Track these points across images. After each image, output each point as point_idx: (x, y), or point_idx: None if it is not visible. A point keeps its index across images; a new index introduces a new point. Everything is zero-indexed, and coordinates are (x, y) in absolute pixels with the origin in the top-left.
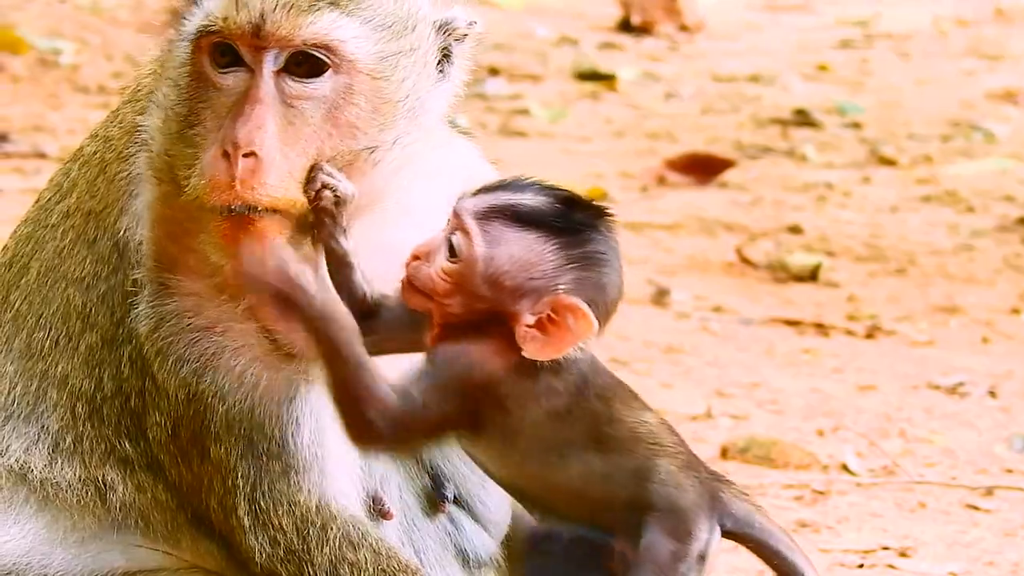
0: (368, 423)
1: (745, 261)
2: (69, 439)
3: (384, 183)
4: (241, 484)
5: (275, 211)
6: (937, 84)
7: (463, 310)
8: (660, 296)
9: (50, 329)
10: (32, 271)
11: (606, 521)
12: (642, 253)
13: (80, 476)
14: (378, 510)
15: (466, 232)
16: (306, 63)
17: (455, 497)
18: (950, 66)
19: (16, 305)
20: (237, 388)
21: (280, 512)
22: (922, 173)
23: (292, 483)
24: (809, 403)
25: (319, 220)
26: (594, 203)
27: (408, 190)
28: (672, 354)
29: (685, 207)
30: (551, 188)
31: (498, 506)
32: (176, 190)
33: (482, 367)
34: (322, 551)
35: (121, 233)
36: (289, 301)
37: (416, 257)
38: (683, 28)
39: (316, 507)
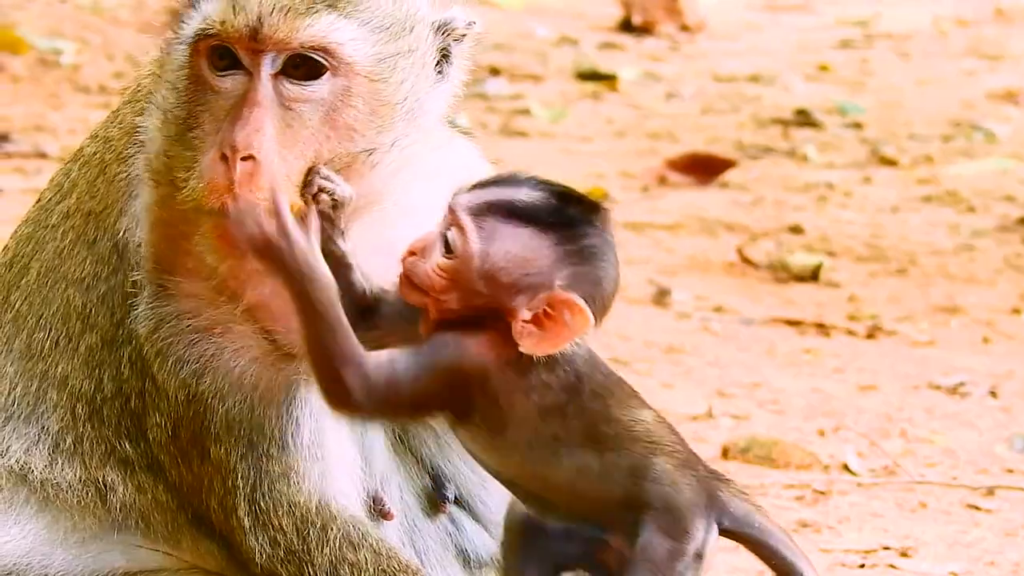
0: (344, 384)
1: (746, 261)
2: (69, 440)
3: (382, 184)
4: (241, 485)
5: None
6: (938, 84)
7: (459, 306)
8: (661, 296)
9: (50, 330)
10: (32, 271)
11: (602, 518)
12: (643, 253)
13: (80, 477)
14: (379, 510)
15: (461, 228)
16: (304, 65)
17: (456, 497)
18: (950, 66)
19: (16, 306)
20: (237, 389)
21: (280, 513)
22: (923, 173)
23: (292, 484)
24: (810, 403)
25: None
26: (589, 198)
27: (407, 191)
28: (673, 354)
29: (686, 207)
30: (546, 183)
31: (499, 506)
32: (174, 192)
33: (473, 357)
34: (322, 552)
35: (121, 234)
36: (272, 251)
37: (412, 253)
38: (684, 28)
39: (316, 507)
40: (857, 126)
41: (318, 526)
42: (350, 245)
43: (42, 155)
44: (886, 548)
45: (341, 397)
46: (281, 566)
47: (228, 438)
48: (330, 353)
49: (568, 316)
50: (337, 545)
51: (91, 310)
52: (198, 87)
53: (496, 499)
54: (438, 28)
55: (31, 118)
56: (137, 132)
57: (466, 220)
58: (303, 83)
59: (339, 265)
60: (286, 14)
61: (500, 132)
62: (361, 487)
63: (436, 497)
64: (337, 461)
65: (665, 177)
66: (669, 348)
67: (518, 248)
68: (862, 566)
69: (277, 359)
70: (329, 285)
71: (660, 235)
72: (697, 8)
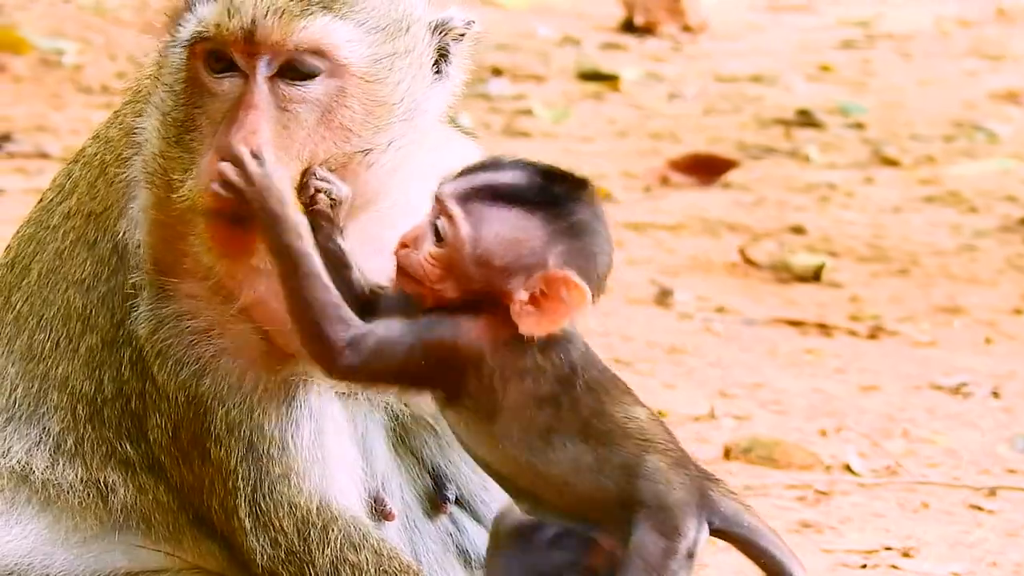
0: (330, 342)
1: (748, 261)
2: (70, 441)
3: (380, 184)
4: (242, 486)
5: None
6: (939, 84)
7: (456, 293)
8: (663, 296)
9: (51, 331)
10: (34, 272)
11: (594, 516)
12: (645, 253)
13: (82, 477)
14: (380, 511)
15: (450, 216)
16: (299, 67)
17: (457, 498)
18: (952, 66)
19: (18, 306)
20: (236, 390)
21: (281, 514)
22: (925, 173)
23: (293, 485)
24: (812, 403)
25: (315, 223)
26: (574, 174)
27: (406, 190)
28: (675, 354)
29: (688, 207)
30: (529, 164)
31: (499, 507)
32: (170, 194)
33: (469, 338)
34: (323, 552)
35: (121, 235)
36: (257, 207)
37: (404, 245)
38: (686, 28)
39: (317, 508)
40: (859, 126)
41: (319, 527)
42: (348, 244)
43: (44, 155)
44: (888, 548)
45: (329, 358)
46: (282, 567)
47: (228, 439)
48: (316, 309)
49: (565, 293)
50: (338, 546)
51: (91, 311)
52: (195, 89)
53: (497, 500)
54: (435, 28)
55: (33, 118)
56: (136, 133)
57: (454, 207)
58: (299, 84)
59: (338, 264)
60: (280, 17)
61: (502, 132)
62: (362, 487)
63: (437, 497)
64: (338, 462)
65: (667, 177)
66: (671, 348)
67: (508, 230)
68: (864, 566)
69: (277, 360)
70: (303, 234)
71: (662, 235)
72: (699, 8)
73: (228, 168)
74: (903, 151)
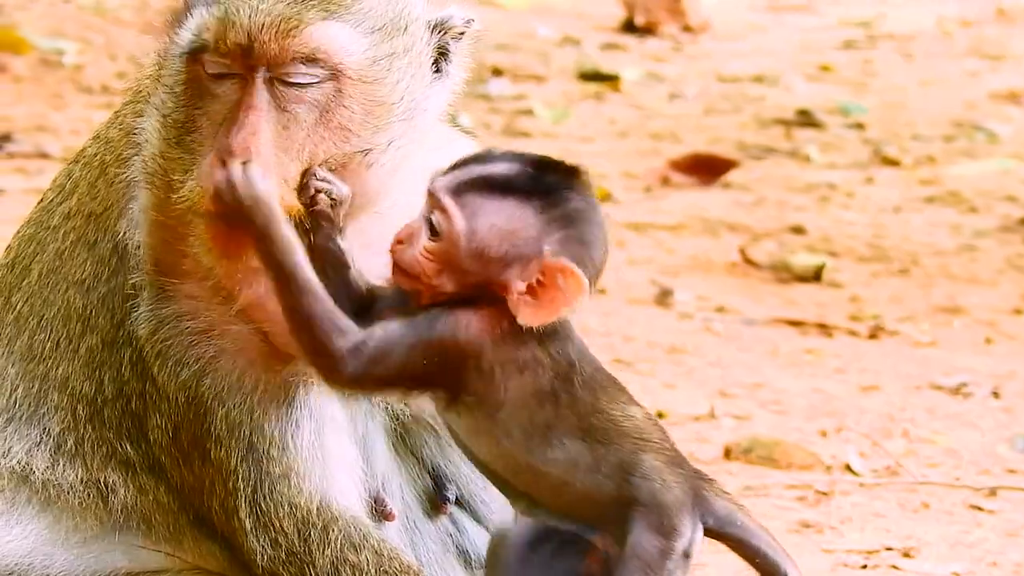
0: (331, 352)
1: (748, 261)
2: (71, 441)
3: (379, 184)
4: (242, 486)
5: None
6: (940, 84)
7: (453, 287)
8: (663, 296)
9: (51, 331)
10: (34, 272)
11: (591, 515)
12: (645, 253)
13: (82, 478)
14: (380, 511)
15: (443, 210)
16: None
17: (457, 498)
18: (953, 67)
19: (18, 307)
20: (236, 391)
21: (281, 514)
22: (925, 174)
23: (293, 485)
24: (812, 403)
25: (315, 223)
26: (566, 163)
27: (406, 190)
28: (675, 354)
29: (688, 207)
30: (520, 155)
31: (500, 507)
32: (170, 195)
33: (468, 331)
34: (323, 553)
35: (121, 236)
36: (247, 226)
37: (399, 242)
38: (687, 29)
39: (317, 509)
40: (859, 126)
41: (319, 527)
42: (348, 244)
43: (44, 155)
44: (888, 549)
45: (332, 368)
46: (283, 567)
47: (229, 440)
48: (314, 322)
49: (562, 281)
50: (338, 546)
51: (92, 312)
52: (195, 91)
53: (497, 500)
54: (434, 27)
55: (33, 118)
56: (137, 134)
57: (447, 201)
58: (298, 86)
59: (337, 265)
60: (277, 30)
61: (503, 132)
62: (362, 488)
63: (437, 498)
64: (338, 462)
65: (668, 177)
66: (671, 348)
67: (503, 220)
68: (864, 567)
69: (276, 361)
70: (295, 249)
71: (662, 235)
72: (700, 9)
73: (219, 185)
74: (903, 151)
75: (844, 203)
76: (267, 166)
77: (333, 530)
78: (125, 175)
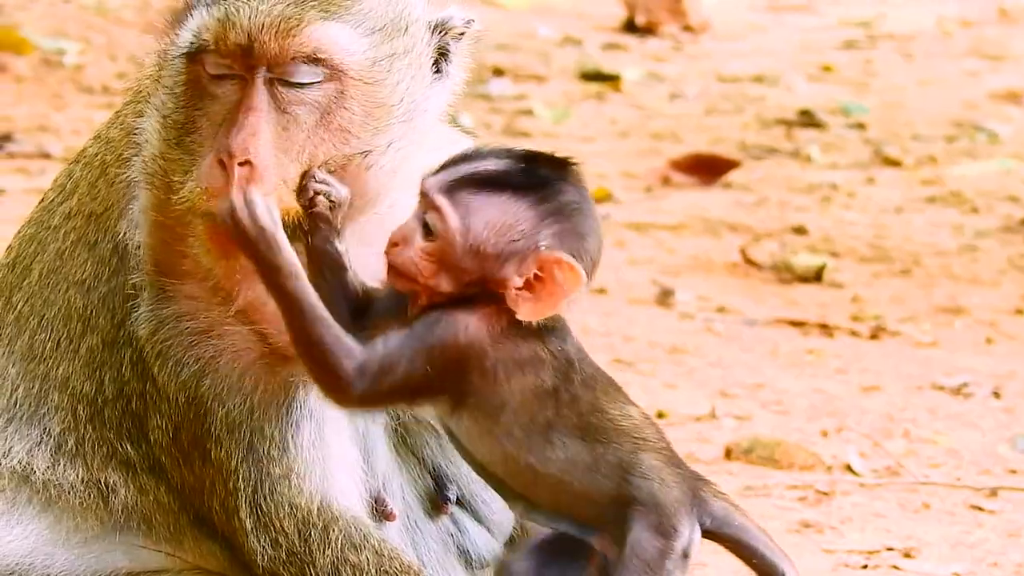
0: (341, 377)
1: (749, 262)
2: (71, 441)
3: (379, 185)
4: (242, 487)
5: None
6: (941, 85)
7: (450, 287)
8: (664, 297)
9: (51, 331)
10: (35, 272)
11: (589, 516)
12: (646, 253)
13: (83, 478)
14: (381, 511)
15: (437, 209)
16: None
17: (458, 498)
18: (954, 67)
19: (19, 307)
20: (236, 391)
21: (281, 514)
22: (926, 174)
23: (293, 485)
24: (813, 404)
25: (313, 225)
26: (556, 156)
27: (405, 191)
28: (676, 355)
29: (689, 208)
30: (510, 150)
31: (501, 507)
32: (170, 195)
33: (468, 332)
34: (324, 553)
35: (121, 236)
36: (253, 250)
37: (394, 244)
38: (687, 28)
39: (317, 509)
40: (860, 127)
41: (319, 527)
42: (346, 246)
43: (45, 155)
44: (889, 549)
45: (341, 390)
46: (283, 568)
47: (229, 440)
48: (320, 347)
49: (559, 274)
50: (339, 546)
51: (92, 312)
52: (195, 92)
53: (498, 500)
54: (435, 27)
55: (34, 118)
56: (138, 134)
57: (441, 200)
58: (298, 87)
59: (335, 267)
60: (277, 30)
61: (503, 132)
62: (363, 488)
63: (438, 498)
64: (338, 462)
65: (668, 177)
66: (672, 349)
67: (497, 216)
68: (865, 567)
69: (276, 361)
70: (301, 276)
71: (663, 235)
72: (700, 9)
73: (222, 216)
74: (904, 151)
75: (845, 203)
76: (266, 167)
77: (333, 530)
78: (126, 175)
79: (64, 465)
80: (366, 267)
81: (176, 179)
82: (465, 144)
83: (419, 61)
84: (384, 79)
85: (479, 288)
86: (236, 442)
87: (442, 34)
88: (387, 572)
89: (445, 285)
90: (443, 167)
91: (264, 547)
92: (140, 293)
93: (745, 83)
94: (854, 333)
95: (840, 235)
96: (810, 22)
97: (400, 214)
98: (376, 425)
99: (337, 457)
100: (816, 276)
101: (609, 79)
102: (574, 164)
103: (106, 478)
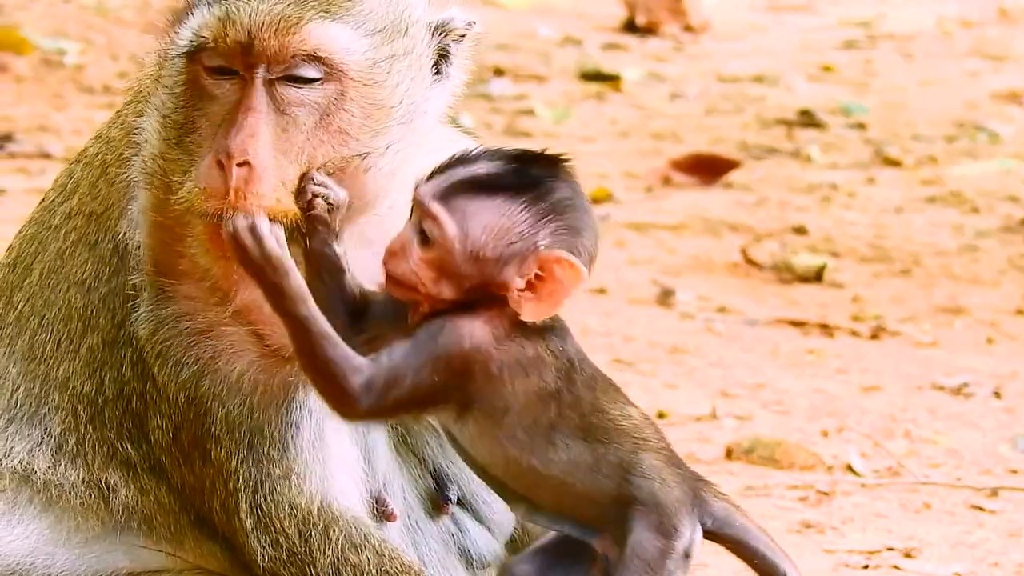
0: (348, 393)
1: (750, 262)
2: (72, 441)
3: (377, 188)
4: (243, 487)
5: (269, 218)
6: (941, 85)
7: (452, 293)
8: (665, 297)
9: (52, 331)
10: (35, 272)
11: (590, 516)
12: (647, 254)
13: (83, 478)
14: (381, 511)
15: (433, 217)
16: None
17: (459, 498)
18: (954, 67)
19: (19, 307)
20: (236, 391)
21: (282, 515)
22: (927, 174)
23: (293, 486)
24: (813, 404)
25: (312, 227)
26: (547, 154)
27: (405, 193)
28: (677, 355)
29: (690, 208)
30: (499, 151)
31: (502, 507)
32: (169, 195)
33: (472, 338)
34: (324, 553)
35: (121, 236)
36: (257, 271)
37: (392, 254)
38: (688, 29)
39: (318, 509)
40: (861, 127)
41: (320, 528)
42: (345, 249)
43: (46, 155)
44: (890, 549)
45: (348, 405)
46: (283, 568)
47: (229, 440)
48: (327, 365)
49: (560, 272)
50: (339, 547)
51: (92, 312)
52: (194, 92)
53: (499, 500)
54: (435, 29)
55: (35, 118)
56: (138, 133)
57: (436, 207)
58: (298, 88)
59: (333, 269)
60: (277, 28)
61: (504, 133)
62: (364, 488)
63: (439, 498)
64: (339, 462)
65: (669, 177)
66: (673, 349)
67: (494, 219)
68: (866, 567)
69: (275, 362)
70: (308, 299)
71: (664, 235)
72: (701, 9)
73: (227, 242)
74: (905, 151)
75: (846, 203)
76: (265, 169)
77: (334, 530)
78: (126, 175)
79: (65, 465)
80: (365, 269)
81: (175, 179)
82: (465, 145)
83: (419, 63)
84: (384, 80)
85: (480, 292)
86: (236, 442)
87: (442, 36)
88: (388, 572)
89: (446, 292)
90: (435, 173)
91: (264, 547)
92: (140, 293)
93: (745, 83)
94: (854, 333)
95: (840, 235)
96: (810, 22)
97: (399, 215)
98: (377, 425)
99: (337, 457)
100: (816, 276)
101: (609, 79)
102: (564, 161)
103: (107, 478)
